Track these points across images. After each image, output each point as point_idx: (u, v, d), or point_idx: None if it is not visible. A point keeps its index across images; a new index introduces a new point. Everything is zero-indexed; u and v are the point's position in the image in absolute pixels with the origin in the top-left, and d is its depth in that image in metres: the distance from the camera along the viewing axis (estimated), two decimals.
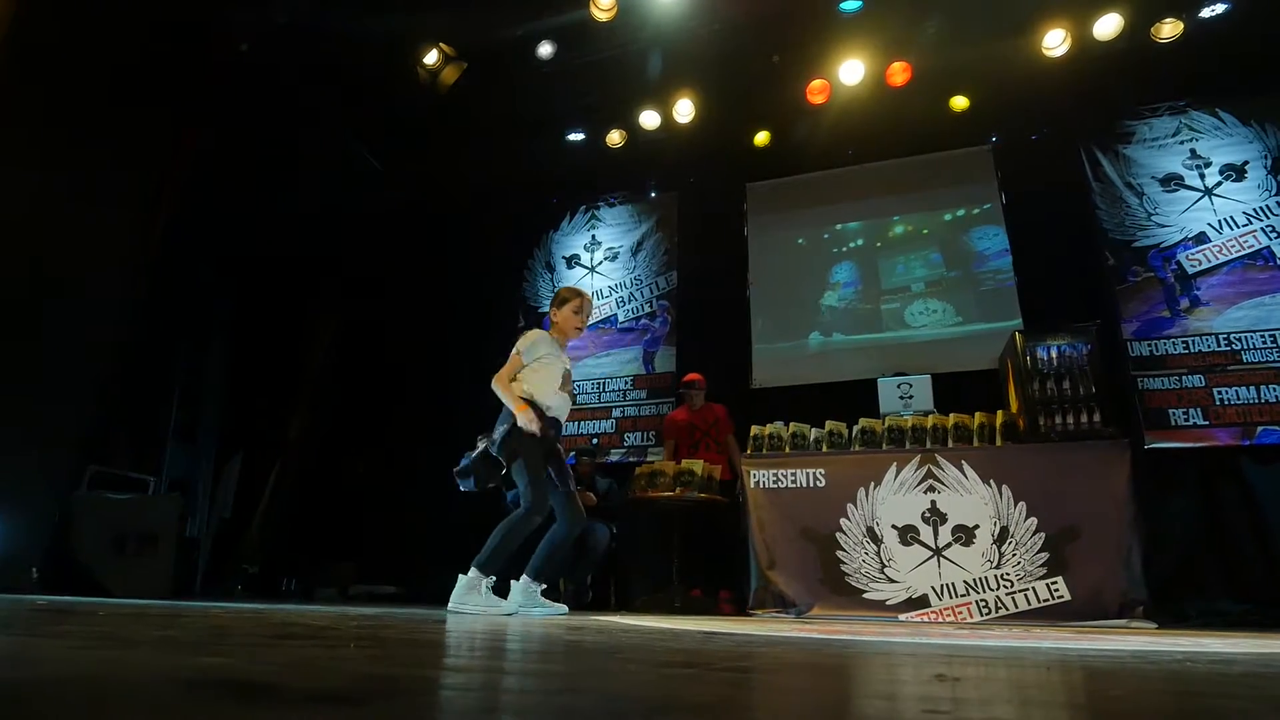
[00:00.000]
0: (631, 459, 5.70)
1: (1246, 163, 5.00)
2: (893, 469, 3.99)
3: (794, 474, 4.16)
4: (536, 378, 3.42)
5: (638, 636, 1.45)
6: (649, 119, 6.10)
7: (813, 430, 4.37)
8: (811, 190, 6.19)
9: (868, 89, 5.57)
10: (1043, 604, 3.61)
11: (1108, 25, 4.99)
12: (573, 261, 6.67)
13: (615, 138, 6.33)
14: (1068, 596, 3.58)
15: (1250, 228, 4.83)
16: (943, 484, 3.90)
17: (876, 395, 4.60)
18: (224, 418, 6.35)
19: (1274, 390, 4.48)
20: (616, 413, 6.00)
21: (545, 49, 5.41)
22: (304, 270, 6.65)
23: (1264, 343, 4.58)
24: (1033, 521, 3.71)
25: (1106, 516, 3.62)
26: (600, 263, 6.56)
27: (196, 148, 5.02)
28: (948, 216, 5.77)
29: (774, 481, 4.19)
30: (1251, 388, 4.52)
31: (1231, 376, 4.58)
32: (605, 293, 6.43)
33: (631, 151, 6.36)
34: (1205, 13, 4.95)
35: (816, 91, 5.68)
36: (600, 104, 6.10)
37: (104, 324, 4.57)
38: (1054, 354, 3.97)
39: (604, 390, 6.10)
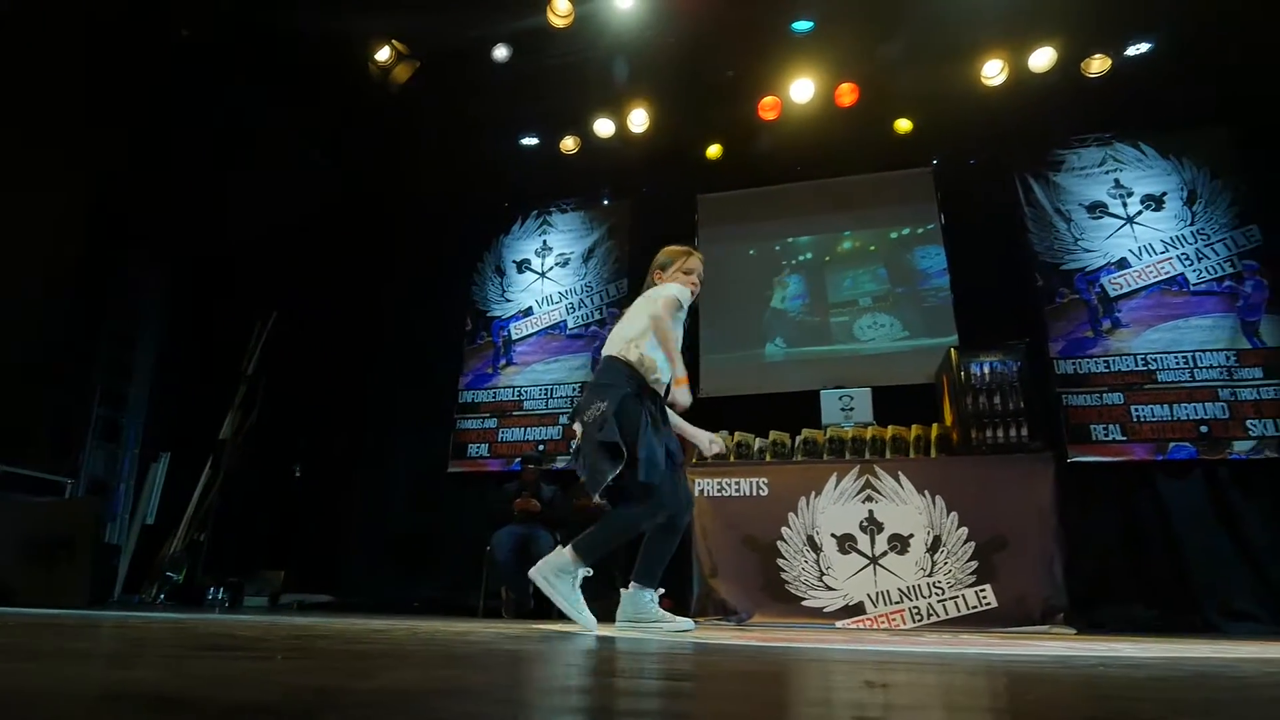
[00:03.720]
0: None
1: (1165, 194, 5.33)
2: (833, 479, 4.08)
3: (738, 483, 4.22)
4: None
5: (574, 643, 1.45)
6: (603, 127, 6.12)
7: (757, 440, 4.44)
8: (762, 204, 6.31)
9: (817, 108, 5.72)
10: (971, 610, 3.75)
11: (1042, 58, 5.25)
12: (523, 266, 6.63)
13: (569, 144, 6.32)
14: (994, 603, 3.73)
15: (1167, 255, 5.14)
16: (880, 494, 4.01)
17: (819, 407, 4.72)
18: (150, 417, 6.06)
19: (1185, 409, 4.77)
20: (563, 419, 5.96)
21: (500, 52, 5.38)
22: (241, 266, 6.42)
23: (1177, 363, 4.88)
24: (964, 531, 3.85)
25: (1031, 527, 3.79)
26: (551, 268, 6.54)
27: (129, 140, 4.80)
28: (893, 234, 5.96)
29: (718, 490, 4.24)
30: (1165, 406, 4.81)
31: (1147, 395, 4.85)
32: (555, 299, 6.41)
33: (585, 158, 6.36)
34: (1130, 51, 5.26)
35: (768, 108, 5.80)
36: (555, 109, 6.09)
37: (19, 317, 4.32)
38: (986, 370, 4.15)
39: (551, 396, 6.07)
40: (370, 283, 6.70)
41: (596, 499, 2.57)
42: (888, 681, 0.74)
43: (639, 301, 2.72)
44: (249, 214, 6.13)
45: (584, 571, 2.46)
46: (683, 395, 2.51)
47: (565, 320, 6.31)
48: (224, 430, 6.37)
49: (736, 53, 5.58)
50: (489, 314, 6.54)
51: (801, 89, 5.61)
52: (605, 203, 6.64)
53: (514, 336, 6.38)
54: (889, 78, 5.50)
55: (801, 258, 6.12)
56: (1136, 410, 4.84)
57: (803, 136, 5.90)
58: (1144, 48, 5.25)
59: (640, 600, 2.61)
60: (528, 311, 6.44)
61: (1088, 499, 4.72)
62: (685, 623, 2.62)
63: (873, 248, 5.96)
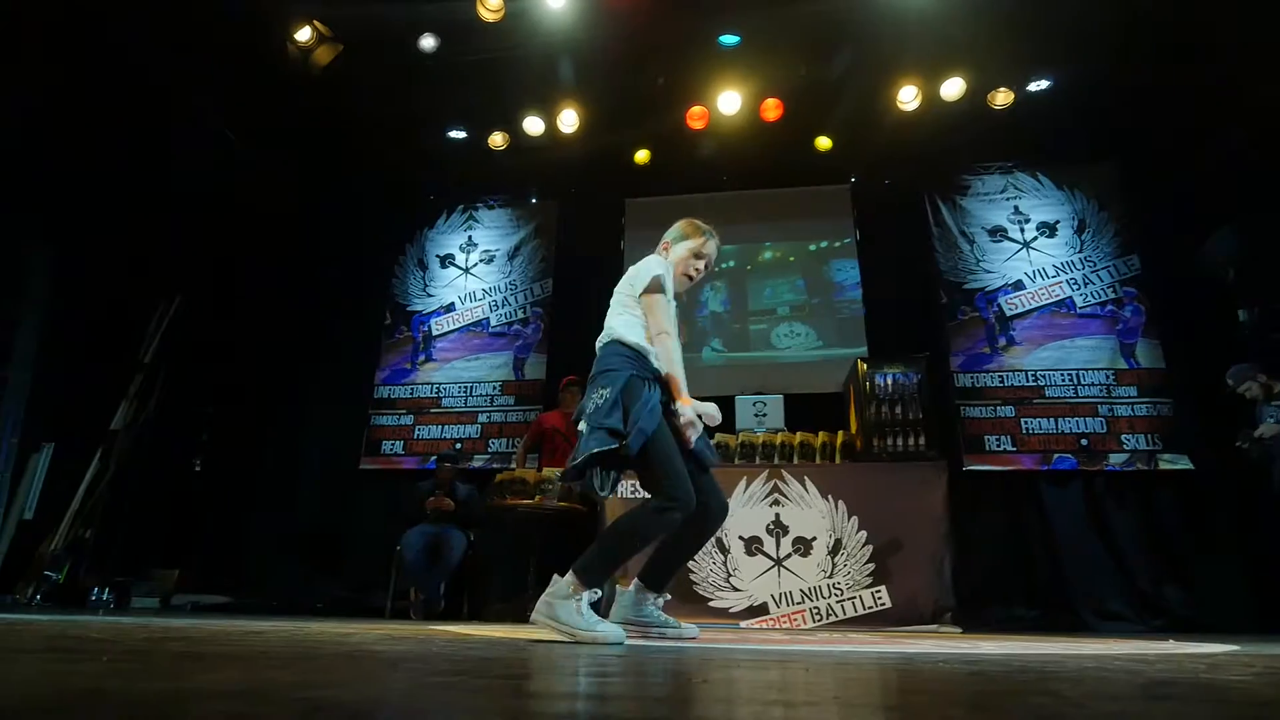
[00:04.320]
0: (495, 465, 5.62)
1: (1058, 222, 5.72)
2: (743, 482, 4.19)
3: None
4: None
5: (452, 646, 1.45)
6: (533, 125, 6.10)
7: None
8: (688, 211, 6.31)
9: (744, 120, 5.86)
10: (867, 611, 3.92)
11: (952, 88, 5.55)
12: (447, 261, 6.51)
13: (498, 140, 6.27)
14: (889, 604, 3.91)
15: (1058, 279, 5.52)
16: (787, 498, 4.15)
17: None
18: (32, 405, 5.64)
19: (1068, 423, 5.13)
20: (482, 418, 5.90)
21: (428, 42, 5.28)
22: (144, 247, 6.06)
23: (1063, 380, 5.24)
24: (863, 535, 4.02)
25: (925, 531, 4.00)
26: (475, 264, 6.45)
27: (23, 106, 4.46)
28: (812, 247, 6.17)
29: (632, 491, 4.27)
30: (1051, 420, 5.16)
31: (1036, 409, 5.20)
32: (479, 295, 6.33)
33: (514, 155, 6.32)
34: (1032, 86, 5.63)
35: (696, 117, 5.91)
36: (484, 104, 6.03)
37: None
38: (889, 381, 4.35)
39: (471, 395, 5.98)
40: (284, 271, 6.44)
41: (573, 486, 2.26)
42: (712, 678, 0.78)
43: (624, 281, 2.41)
44: (154, 192, 5.81)
45: (590, 595, 2.03)
46: (687, 412, 2.20)
47: (488, 318, 6.24)
48: (116, 420, 5.98)
49: (667, 60, 5.67)
50: (409, 308, 6.39)
51: (729, 101, 5.74)
52: (533, 201, 6.61)
53: (434, 332, 6.26)
54: (811, 96, 5.69)
55: (724, 265, 6.25)
56: (1026, 423, 5.17)
57: (729, 147, 6.04)
58: (1044, 84, 5.62)
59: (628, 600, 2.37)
60: (449, 307, 6.33)
61: (979, 505, 5.01)
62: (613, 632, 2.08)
63: (792, 259, 6.16)
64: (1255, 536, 4.65)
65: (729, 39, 5.19)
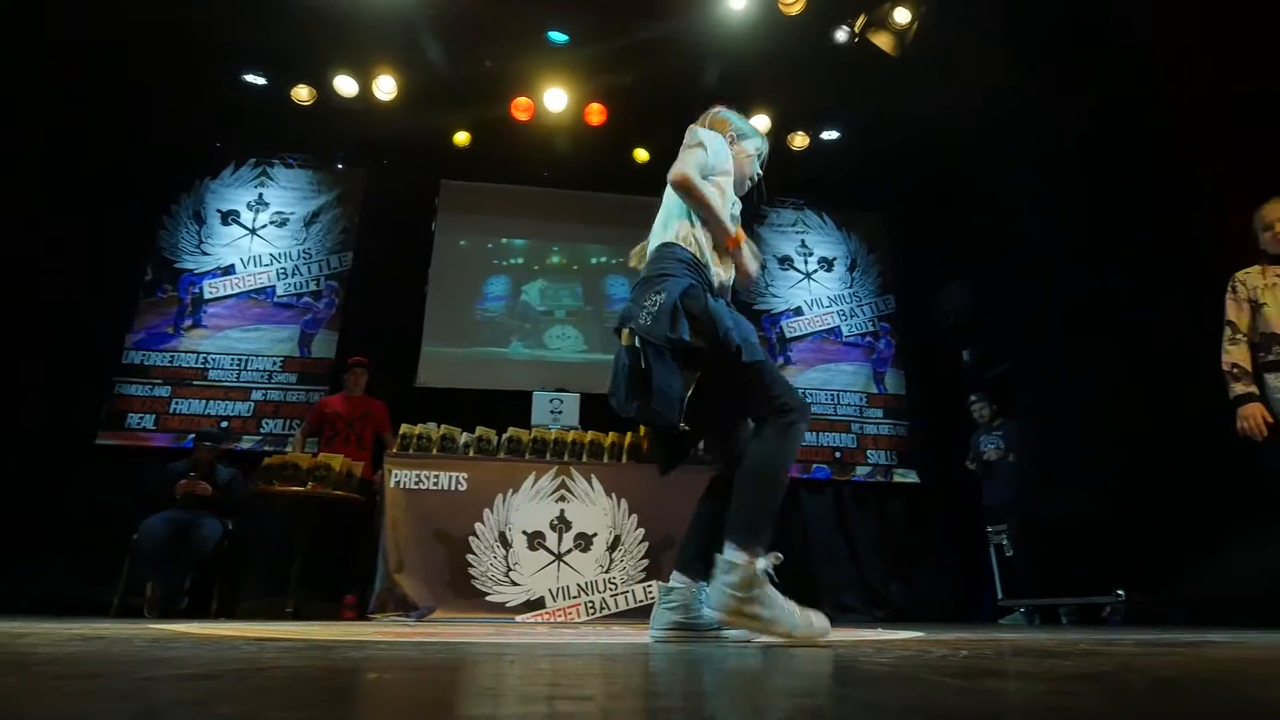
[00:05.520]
0: (267, 448, 5.15)
1: (835, 259, 6.45)
2: (531, 478, 4.24)
3: (437, 476, 4.17)
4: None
5: (144, 648, 1.31)
6: (345, 85, 5.68)
7: (463, 434, 4.43)
8: (505, 200, 6.33)
9: (569, 120, 5.92)
10: (639, 604, 4.13)
11: (759, 124, 6.01)
12: (230, 218, 5.85)
13: (303, 94, 5.76)
14: (657, 597, 4.15)
15: (830, 309, 6.23)
16: (573, 494, 4.25)
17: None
18: None
19: (827, 437, 5.81)
20: (257, 395, 5.37)
21: None
22: None
23: (826, 399, 5.92)
24: (641, 531, 4.24)
25: None
26: (264, 226, 5.86)
27: None
28: (593, 260, 6.38)
29: (415, 482, 4.15)
30: (812, 433, 5.79)
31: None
32: (265, 260, 5.76)
33: (321, 114, 5.85)
34: (824, 135, 6.28)
35: (521, 108, 5.86)
36: (289, 53, 5.51)
37: None
38: None
39: (245, 368, 5.42)
40: (12, 202, 5.36)
41: (683, 425, 1.76)
42: (391, 675, 0.79)
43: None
44: None
45: (768, 563, 1.67)
46: (747, 260, 2.00)
47: (274, 286, 5.69)
48: None
49: (496, 45, 5.56)
50: (178, 265, 5.65)
51: (555, 98, 5.76)
52: (339, 167, 6.14)
53: (207, 295, 5.59)
54: (635, 107, 5.88)
55: (512, 260, 6.26)
56: None
57: (552, 144, 6.06)
58: (834, 135, 6.30)
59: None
60: (228, 270, 5.69)
61: None
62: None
63: (575, 267, 6.32)
64: (962, 542, 5.56)
65: (558, 36, 5.22)
